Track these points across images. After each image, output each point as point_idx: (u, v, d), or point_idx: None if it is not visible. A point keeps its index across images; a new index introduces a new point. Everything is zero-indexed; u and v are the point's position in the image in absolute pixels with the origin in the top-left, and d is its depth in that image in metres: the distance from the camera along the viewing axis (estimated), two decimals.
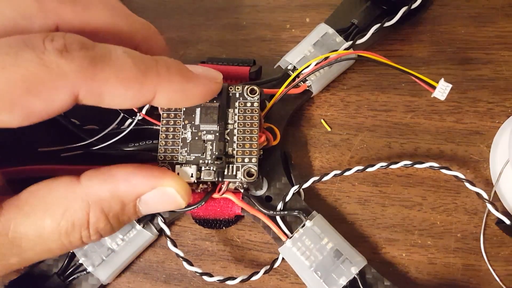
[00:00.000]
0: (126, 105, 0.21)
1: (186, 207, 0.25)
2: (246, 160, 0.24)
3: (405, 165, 0.26)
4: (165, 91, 0.21)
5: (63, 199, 0.20)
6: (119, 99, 0.20)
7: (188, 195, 0.22)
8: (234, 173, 0.24)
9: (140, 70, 0.20)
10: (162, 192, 0.21)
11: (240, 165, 0.24)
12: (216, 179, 0.24)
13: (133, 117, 0.27)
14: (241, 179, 0.24)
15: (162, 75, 0.21)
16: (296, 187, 0.27)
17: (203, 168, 0.24)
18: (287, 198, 0.27)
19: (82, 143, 0.27)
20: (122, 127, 0.28)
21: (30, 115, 0.18)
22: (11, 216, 0.19)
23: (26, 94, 0.18)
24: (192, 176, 0.24)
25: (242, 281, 0.25)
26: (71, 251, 0.27)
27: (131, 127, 0.27)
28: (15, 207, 0.20)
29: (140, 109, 0.27)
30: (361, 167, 0.26)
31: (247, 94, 0.25)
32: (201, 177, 0.24)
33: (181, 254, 0.26)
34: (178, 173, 0.23)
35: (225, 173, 0.24)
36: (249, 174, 0.24)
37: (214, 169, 0.24)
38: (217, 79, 0.24)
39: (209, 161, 0.24)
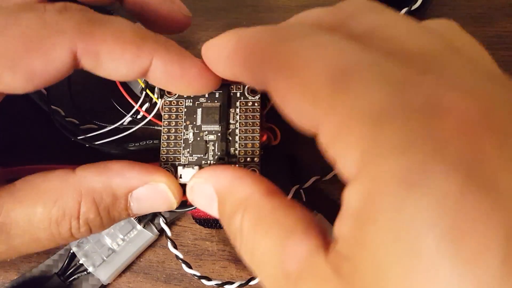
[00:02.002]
0: (123, 72, 0.20)
1: (187, 207, 0.25)
2: (248, 160, 0.24)
3: None
4: (162, 59, 0.20)
5: (56, 188, 0.20)
6: (115, 62, 0.20)
7: (180, 194, 0.22)
8: None
9: (138, 35, 0.20)
10: (154, 188, 0.21)
11: (243, 165, 0.24)
12: None
13: (134, 117, 0.27)
14: None
15: (160, 43, 0.21)
16: (297, 187, 0.27)
17: None
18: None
19: (81, 141, 0.27)
20: (122, 127, 0.27)
21: (33, 76, 0.19)
22: (3, 200, 0.19)
23: (27, 52, 0.18)
24: None
25: (241, 285, 0.25)
26: (71, 252, 0.27)
27: (133, 127, 0.27)
28: (7, 193, 0.20)
29: (142, 105, 0.27)
30: None
31: (248, 94, 0.25)
32: None
33: (181, 256, 0.25)
34: (181, 175, 0.23)
35: None
36: None
37: None
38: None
39: (212, 162, 0.24)
